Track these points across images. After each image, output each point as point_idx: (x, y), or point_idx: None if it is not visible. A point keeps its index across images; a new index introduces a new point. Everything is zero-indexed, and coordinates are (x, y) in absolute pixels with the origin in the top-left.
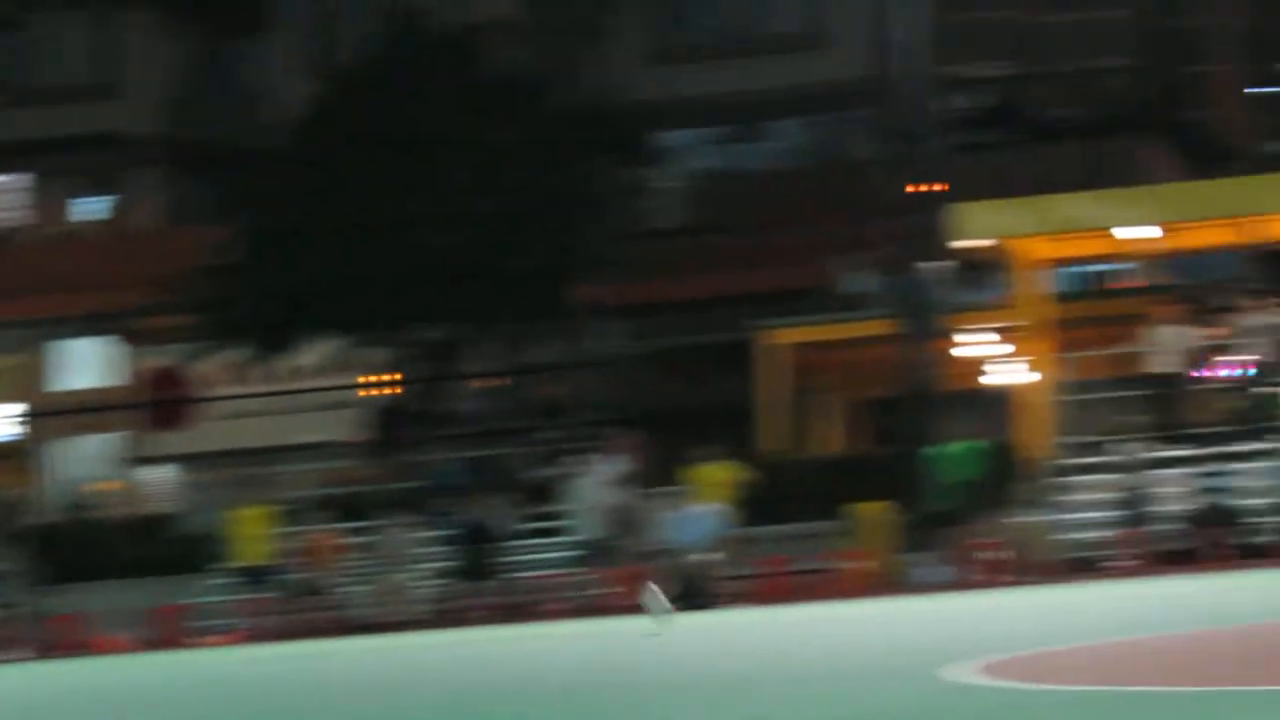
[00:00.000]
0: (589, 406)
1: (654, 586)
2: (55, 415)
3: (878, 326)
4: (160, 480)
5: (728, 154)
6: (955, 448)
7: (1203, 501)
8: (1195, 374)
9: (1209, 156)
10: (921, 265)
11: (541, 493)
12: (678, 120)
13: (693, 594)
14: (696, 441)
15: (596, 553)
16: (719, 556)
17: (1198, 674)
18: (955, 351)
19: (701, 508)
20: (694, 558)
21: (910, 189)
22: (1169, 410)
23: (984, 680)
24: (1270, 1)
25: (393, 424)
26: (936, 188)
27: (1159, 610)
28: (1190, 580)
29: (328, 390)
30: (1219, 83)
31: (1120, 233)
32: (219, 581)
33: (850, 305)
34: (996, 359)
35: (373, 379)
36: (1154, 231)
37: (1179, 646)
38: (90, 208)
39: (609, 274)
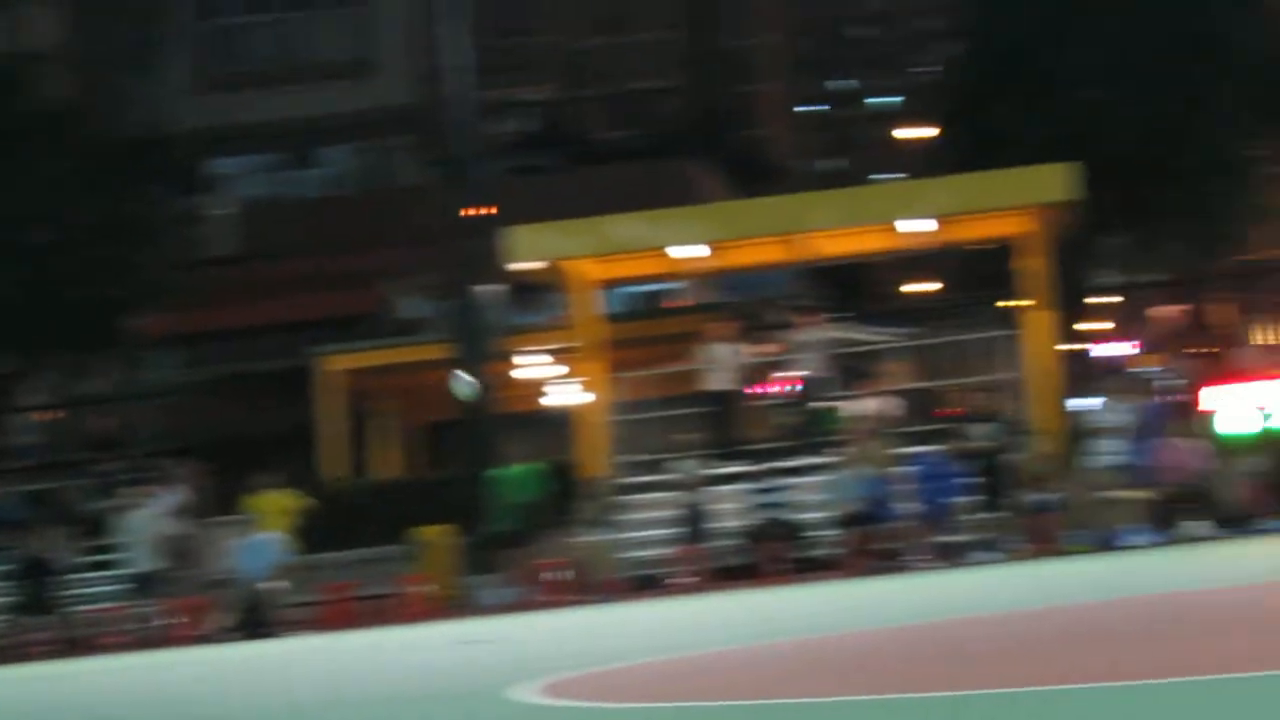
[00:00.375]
0: (147, 437)
1: (460, 373)
2: None
3: (435, 350)
4: None
5: (280, 181)
6: (516, 469)
7: (760, 517)
8: (750, 390)
9: (757, 175)
10: (476, 289)
11: (100, 525)
12: (229, 148)
13: (256, 622)
14: (257, 469)
15: (156, 584)
16: (282, 584)
17: (757, 687)
18: (513, 374)
19: (263, 535)
20: (257, 586)
21: (462, 213)
22: (725, 427)
23: (548, 700)
24: (813, 23)
25: None
26: (488, 211)
27: (719, 625)
28: (750, 595)
29: None
30: (765, 102)
31: (672, 252)
32: None
33: (406, 330)
34: (554, 380)
35: None
36: (704, 250)
37: (739, 660)
38: None
39: (164, 303)
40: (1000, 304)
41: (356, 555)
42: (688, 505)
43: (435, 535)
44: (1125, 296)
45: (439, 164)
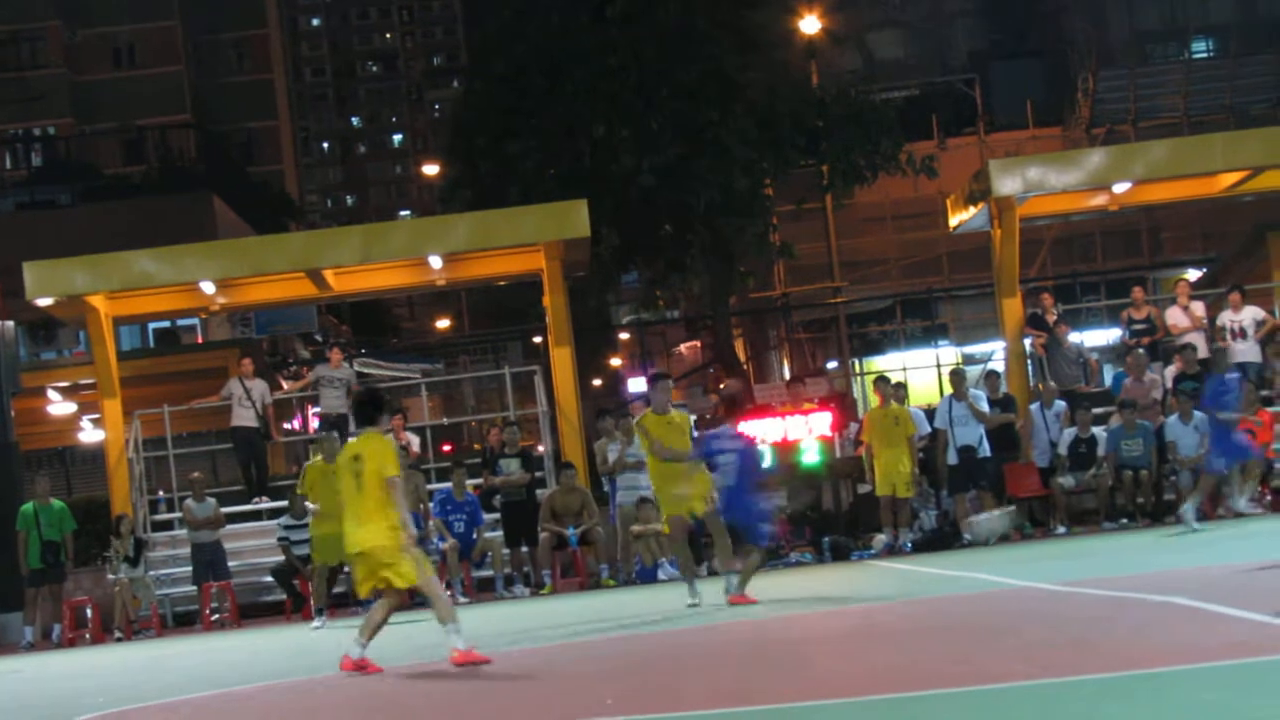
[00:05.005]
0: None
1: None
2: None
3: None
4: None
5: None
6: (41, 506)
7: (291, 554)
8: (274, 426)
9: (278, 210)
10: None
11: None
12: None
13: None
14: None
15: None
16: None
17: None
18: (38, 409)
19: None
20: None
21: None
22: (251, 464)
23: None
24: (323, 59)
25: None
26: None
27: (249, 662)
28: (281, 632)
29: None
30: (278, 139)
31: (192, 287)
32: None
33: None
34: (77, 416)
35: None
36: (224, 286)
37: (275, 697)
38: None
39: None
40: (525, 339)
41: None
42: (213, 543)
43: None
44: (648, 332)
45: None
